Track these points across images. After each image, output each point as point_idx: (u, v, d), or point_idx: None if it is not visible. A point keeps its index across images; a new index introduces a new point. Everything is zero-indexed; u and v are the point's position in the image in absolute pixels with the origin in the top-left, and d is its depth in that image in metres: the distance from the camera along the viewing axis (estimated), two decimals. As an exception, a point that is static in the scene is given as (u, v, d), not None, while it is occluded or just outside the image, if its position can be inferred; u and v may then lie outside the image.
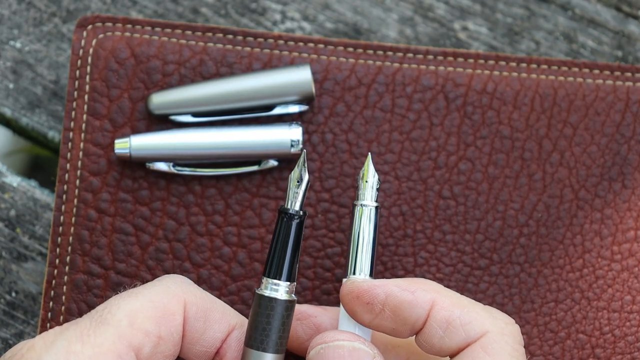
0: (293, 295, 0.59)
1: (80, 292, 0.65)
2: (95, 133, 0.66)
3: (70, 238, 0.65)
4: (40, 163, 0.77)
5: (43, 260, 0.69)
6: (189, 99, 0.65)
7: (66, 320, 0.64)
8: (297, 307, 0.61)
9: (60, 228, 0.65)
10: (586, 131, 0.66)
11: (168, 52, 0.66)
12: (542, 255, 0.66)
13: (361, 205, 0.61)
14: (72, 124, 0.66)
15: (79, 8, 0.71)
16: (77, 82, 0.66)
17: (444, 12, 0.71)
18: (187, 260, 0.65)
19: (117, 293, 0.58)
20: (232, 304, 0.65)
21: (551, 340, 0.65)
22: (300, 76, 0.65)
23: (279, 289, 0.58)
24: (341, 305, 0.60)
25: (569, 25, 0.71)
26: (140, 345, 0.55)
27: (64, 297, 0.65)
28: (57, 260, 0.65)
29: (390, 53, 0.67)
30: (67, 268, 0.65)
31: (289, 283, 0.58)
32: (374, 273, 0.62)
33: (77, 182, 0.65)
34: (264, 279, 0.59)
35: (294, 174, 0.59)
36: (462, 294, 0.65)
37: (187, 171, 0.65)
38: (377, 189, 0.61)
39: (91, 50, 0.66)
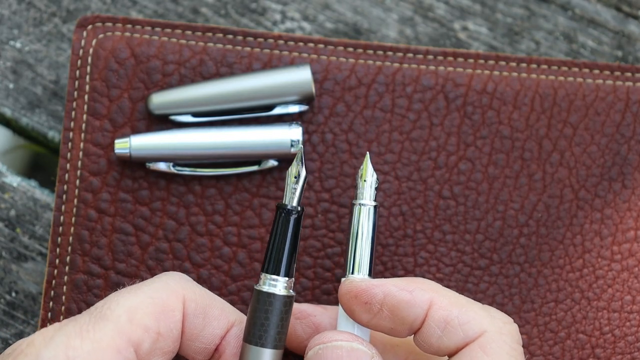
0: (291, 291, 0.59)
1: (80, 292, 0.65)
2: (95, 133, 0.66)
3: (70, 238, 0.65)
4: (40, 163, 0.77)
5: (43, 260, 0.69)
6: (189, 99, 0.65)
7: (66, 320, 0.64)
8: (297, 306, 0.61)
9: (60, 228, 0.65)
10: (586, 131, 0.66)
11: (168, 52, 0.66)
12: (542, 255, 0.66)
13: (360, 204, 0.61)
14: (72, 124, 0.66)
15: (79, 8, 0.71)
16: (77, 82, 0.66)
17: (444, 12, 0.71)
18: (187, 260, 0.65)
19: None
20: (232, 304, 0.64)
21: (551, 340, 0.65)
22: (300, 76, 0.65)
23: (277, 285, 0.58)
24: (340, 305, 0.60)
25: (569, 25, 0.71)
26: (140, 341, 0.55)
27: (64, 297, 0.65)
28: (57, 260, 0.65)
29: (390, 53, 0.67)
30: (67, 268, 0.65)
31: (287, 279, 0.59)
32: (373, 272, 0.62)
33: (77, 182, 0.65)
34: (263, 275, 0.59)
35: (292, 170, 0.60)
36: (462, 294, 0.65)
37: (187, 171, 0.65)
38: (376, 188, 0.61)
39: (91, 50, 0.66)
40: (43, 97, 0.70)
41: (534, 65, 0.67)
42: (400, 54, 0.67)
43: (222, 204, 0.65)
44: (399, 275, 0.65)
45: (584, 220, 0.66)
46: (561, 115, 0.66)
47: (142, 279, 0.65)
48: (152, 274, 0.65)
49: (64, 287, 0.65)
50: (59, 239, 0.65)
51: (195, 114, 0.65)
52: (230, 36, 0.67)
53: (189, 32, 0.67)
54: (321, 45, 0.67)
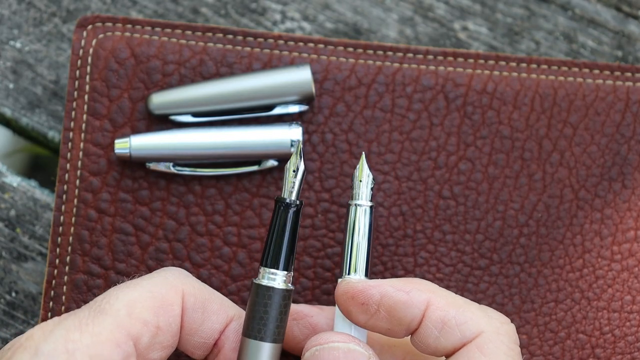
0: (290, 285, 0.59)
1: (80, 292, 0.65)
2: (95, 133, 0.66)
3: (70, 238, 0.65)
4: (40, 163, 0.77)
5: (43, 260, 0.69)
6: (189, 99, 0.65)
7: (66, 320, 0.64)
8: (294, 306, 0.61)
9: (60, 228, 0.65)
10: (586, 131, 0.66)
11: (168, 52, 0.66)
12: (542, 255, 0.66)
13: (356, 204, 0.61)
14: (72, 124, 0.66)
15: (79, 8, 0.71)
16: (77, 82, 0.66)
17: (444, 12, 0.71)
18: (187, 260, 0.65)
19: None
20: (232, 304, 0.65)
21: (551, 340, 0.65)
22: (300, 76, 0.65)
23: (276, 278, 0.58)
24: (336, 306, 0.60)
25: (569, 25, 0.71)
26: (139, 334, 0.56)
27: (64, 297, 0.65)
28: (57, 260, 0.65)
29: (390, 53, 0.67)
30: (67, 268, 0.65)
31: (286, 272, 0.59)
32: (373, 273, 0.62)
33: (77, 182, 0.65)
34: (262, 269, 0.59)
35: (290, 164, 0.60)
36: (462, 294, 0.65)
37: (187, 171, 0.65)
38: (372, 189, 0.61)
39: (91, 50, 0.66)
40: (43, 97, 0.70)
41: (534, 65, 0.67)
42: (400, 54, 0.67)
43: (222, 204, 0.66)
44: (399, 275, 0.65)
45: (584, 220, 0.66)
46: (561, 115, 0.66)
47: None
48: (152, 274, 0.65)
49: (64, 287, 0.65)
50: (59, 239, 0.65)
51: (195, 114, 0.65)
52: (230, 36, 0.67)
53: (189, 32, 0.67)
54: (321, 45, 0.67)
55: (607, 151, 0.66)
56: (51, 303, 0.65)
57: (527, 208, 0.66)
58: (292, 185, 0.59)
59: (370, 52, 0.67)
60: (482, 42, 0.71)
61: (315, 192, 0.66)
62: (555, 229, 0.66)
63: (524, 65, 0.67)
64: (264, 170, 0.66)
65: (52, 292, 0.65)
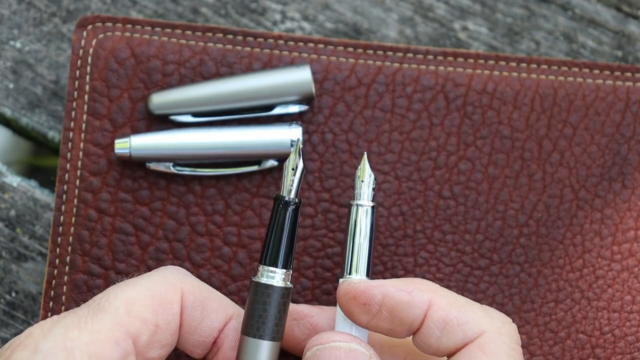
0: (289, 283, 0.59)
1: (80, 292, 0.65)
2: (95, 133, 0.66)
3: (70, 238, 0.65)
4: (40, 163, 0.77)
5: (43, 260, 0.69)
6: (189, 99, 0.65)
7: (66, 320, 0.64)
8: (294, 306, 0.61)
9: (60, 228, 0.65)
10: (586, 131, 0.66)
11: (168, 52, 0.66)
12: (542, 255, 0.66)
13: (357, 204, 0.61)
14: (72, 124, 0.66)
15: (79, 8, 0.71)
16: (77, 82, 0.66)
17: (444, 12, 0.71)
18: (187, 260, 0.65)
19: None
20: (232, 304, 0.65)
21: (551, 340, 0.65)
22: (300, 76, 0.65)
23: (275, 277, 0.59)
24: (337, 306, 0.60)
25: (569, 25, 0.71)
26: (138, 333, 0.56)
27: (64, 297, 0.65)
28: (57, 260, 0.65)
29: (390, 53, 0.67)
30: (67, 268, 0.65)
31: (285, 270, 0.59)
32: (373, 272, 0.62)
33: (77, 182, 0.65)
34: (260, 267, 0.59)
35: (289, 162, 0.60)
36: (462, 294, 0.65)
37: (187, 171, 0.65)
38: (374, 189, 0.61)
39: (91, 50, 0.66)
40: (43, 97, 0.70)
41: (534, 65, 0.67)
42: (400, 54, 0.67)
43: (222, 204, 0.66)
44: (399, 275, 0.65)
45: (584, 220, 0.66)
46: (561, 115, 0.66)
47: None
48: (152, 274, 0.65)
49: (64, 287, 0.65)
50: (59, 239, 0.65)
51: (195, 114, 0.65)
52: (230, 36, 0.67)
53: (189, 32, 0.67)
54: (321, 45, 0.67)
55: (607, 151, 0.66)
56: (51, 303, 0.65)
57: (527, 208, 0.66)
58: (291, 184, 0.59)
59: (370, 52, 0.67)
60: (482, 42, 0.71)
61: (315, 192, 0.66)
62: (555, 229, 0.66)
63: (524, 65, 0.67)
64: (264, 170, 0.66)
65: (52, 292, 0.65)
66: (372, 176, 0.61)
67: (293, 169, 0.60)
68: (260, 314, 0.58)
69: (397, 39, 0.71)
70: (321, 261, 0.65)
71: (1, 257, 0.69)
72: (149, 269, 0.65)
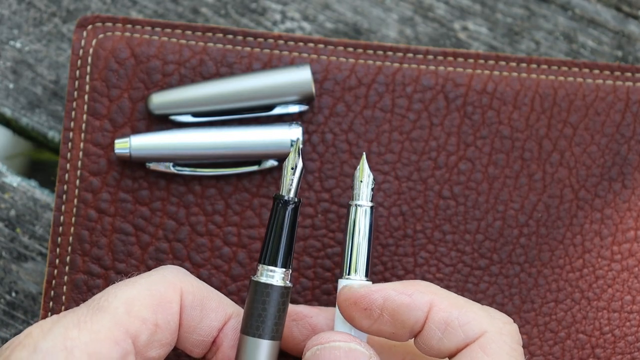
0: (289, 282, 0.59)
1: (80, 292, 0.65)
2: (95, 133, 0.66)
3: (70, 238, 0.65)
4: (40, 163, 0.77)
5: (43, 260, 0.69)
6: (189, 99, 0.65)
7: (66, 320, 0.64)
8: (293, 307, 0.61)
9: (60, 228, 0.65)
10: (586, 131, 0.66)
11: (168, 52, 0.66)
12: (542, 255, 0.66)
13: (356, 205, 0.61)
14: (72, 124, 0.66)
15: (79, 8, 0.71)
16: (77, 82, 0.66)
17: (444, 12, 0.71)
18: (187, 260, 0.65)
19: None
20: (232, 304, 0.65)
21: (551, 340, 0.65)
22: (300, 76, 0.65)
23: (274, 276, 0.59)
24: (337, 307, 0.59)
25: (569, 25, 0.71)
26: (137, 332, 0.56)
27: (64, 297, 0.65)
28: (57, 260, 0.65)
29: (390, 53, 0.67)
30: (67, 268, 0.65)
31: (284, 270, 0.59)
32: (371, 273, 0.62)
33: (77, 182, 0.65)
34: (260, 266, 0.59)
35: (289, 161, 0.60)
36: (462, 294, 0.65)
37: (187, 171, 0.65)
38: (372, 189, 0.61)
39: (91, 50, 0.66)
40: (43, 97, 0.70)
41: (534, 65, 0.67)
42: (400, 54, 0.67)
43: (222, 204, 0.66)
44: (399, 275, 0.65)
45: (584, 220, 0.66)
46: (561, 115, 0.66)
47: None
48: (152, 274, 0.65)
49: (64, 287, 0.65)
50: (59, 239, 0.65)
51: (195, 114, 0.65)
52: (230, 36, 0.67)
53: (189, 32, 0.67)
54: (321, 45, 0.67)
55: (607, 151, 0.66)
56: (51, 303, 0.65)
57: (527, 208, 0.66)
58: (290, 183, 0.59)
59: (370, 52, 0.67)
60: (482, 42, 0.71)
61: (315, 192, 0.66)
62: (555, 229, 0.66)
63: (524, 65, 0.67)
64: (264, 170, 0.66)
65: (52, 292, 0.65)
66: (371, 176, 0.61)
67: (292, 168, 0.60)
68: (259, 313, 0.58)
69: (397, 39, 0.71)
70: (321, 261, 0.65)
71: (1, 257, 0.69)
72: (149, 269, 0.65)
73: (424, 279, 0.65)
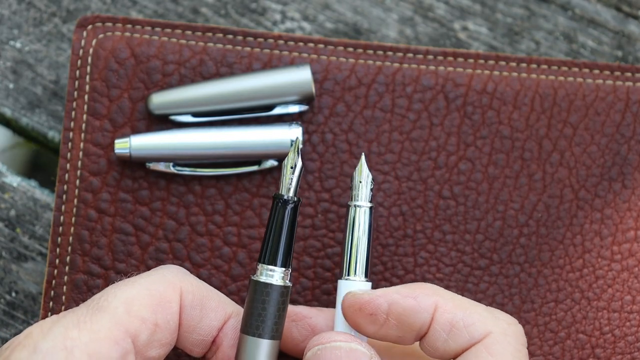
0: (288, 282, 0.59)
1: (80, 292, 0.65)
2: (95, 133, 0.66)
3: (70, 238, 0.65)
4: (40, 163, 0.77)
5: (43, 260, 0.69)
6: (189, 99, 0.65)
7: (66, 320, 0.64)
8: (292, 308, 0.61)
9: (60, 228, 0.65)
10: (586, 131, 0.66)
11: (168, 52, 0.66)
12: (542, 255, 0.66)
13: (355, 205, 0.61)
14: (72, 124, 0.66)
15: (79, 8, 0.71)
16: (77, 82, 0.66)
17: (444, 12, 0.71)
18: (187, 260, 0.65)
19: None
20: (232, 304, 0.65)
21: (551, 340, 0.65)
22: (300, 76, 0.65)
23: (274, 275, 0.58)
24: (337, 307, 0.59)
25: (569, 25, 0.71)
26: (137, 332, 0.56)
27: (64, 297, 0.65)
28: (57, 260, 0.65)
29: (390, 53, 0.67)
30: (67, 268, 0.65)
31: (284, 269, 0.59)
32: (370, 273, 0.62)
33: (77, 182, 0.65)
34: (259, 265, 0.59)
35: (288, 161, 0.60)
36: (462, 294, 0.65)
37: (187, 171, 0.65)
38: (371, 189, 0.61)
39: (91, 50, 0.66)
40: (43, 97, 0.70)
41: (534, 65, 0.67)
42: (400, 54, 0.67)
43: (222, 204, 0.66)
44: (399, 275, 0.65)
45: (584, 220, 0.66)
46: (561, 115, 0.66)
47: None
48: (152, 274, 0.65)
49: (64, 287, 0.65)
50: (59, 239, 0.65)
51: (195, 114, 0.65)
52: (230, 36, 0.67)
53: (189, 32, 0.67)
54: (321, 45, 0.67)
55: (607, 151, 0.66)
56: (51, 303, 0.65)
57: (527, 208, 0.66)
58: (289, 182, 0.59)
59: (370, 52, 0.67)
60: (482, 42, 0.71)
61: (315, 192, 0.66)
62: (555, 229, 0.66)
63: (524, 65, 0.67)
64: (264, 170, 0.66)
65: (52, 292, 0.65)
66: (370, 177, 0.61)
67: (292, 168, 0.60)
68: (259, 312, 0.58)
69: (397, 39, 0.71)
70: (321, 261, 0.65)
71: (1, 257, 0.69)
72: (149, 269, 0.65)
73: (424, 279, 0.65)
